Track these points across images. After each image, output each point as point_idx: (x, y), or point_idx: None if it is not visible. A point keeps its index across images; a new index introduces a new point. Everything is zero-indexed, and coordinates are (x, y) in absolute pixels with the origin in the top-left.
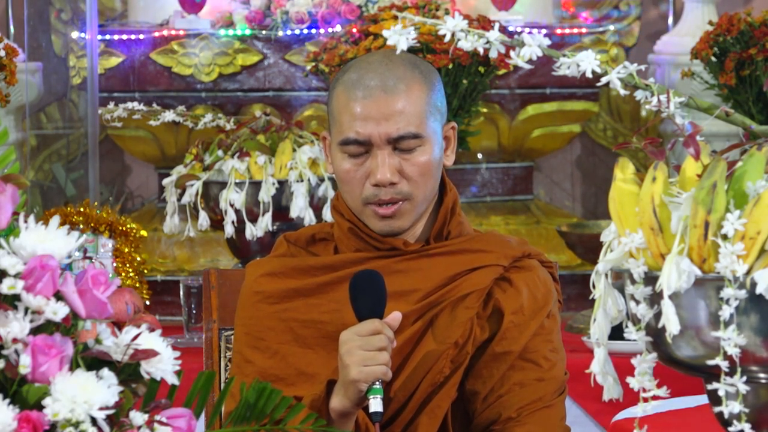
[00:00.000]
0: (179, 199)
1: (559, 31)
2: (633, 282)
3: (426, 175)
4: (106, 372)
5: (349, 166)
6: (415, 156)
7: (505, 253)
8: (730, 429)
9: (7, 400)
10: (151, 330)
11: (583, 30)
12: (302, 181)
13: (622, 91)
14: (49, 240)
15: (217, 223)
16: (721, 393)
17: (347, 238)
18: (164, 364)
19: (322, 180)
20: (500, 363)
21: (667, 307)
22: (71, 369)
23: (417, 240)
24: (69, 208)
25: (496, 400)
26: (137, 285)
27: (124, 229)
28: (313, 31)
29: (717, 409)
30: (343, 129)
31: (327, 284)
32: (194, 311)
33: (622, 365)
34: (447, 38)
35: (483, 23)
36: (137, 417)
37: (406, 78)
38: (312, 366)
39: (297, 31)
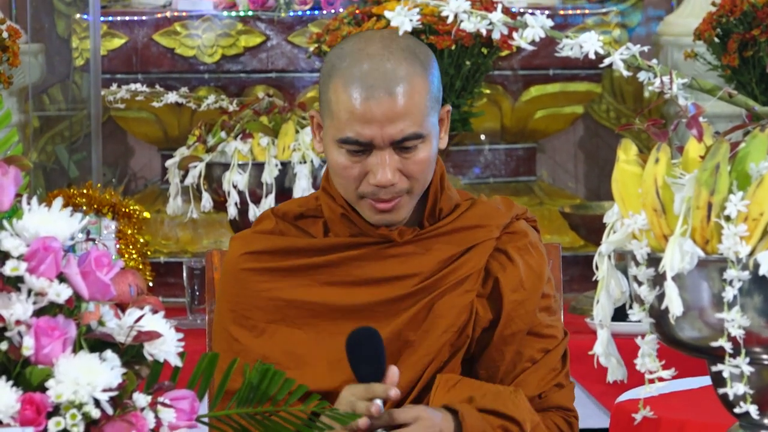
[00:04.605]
0: (182, 181)
1: (561, 11)
2: (636, 263)
3: (426, 170)
4: (109, 354)
5: (347, 162)
6: (416, 154)
7: (497, 223)
8: (734, 410)
9: (11, 382)
10: (154, 312)
11: (586, 11)
12: (305, 162)
13: (625, 73)
14: (52, 222)
15: (220, 205)
16: (725, 375)
17: (340, 223)
18: (167, 345)
19: (324, 161)
20: (509, 344)
21: (670, 288)
22: (74, 351)
23: (409, 223)
24: (72, 190)
25: (512, 382)
26: (140, 267)
27: (127, 210)
28: (316, 12)
29: (721, 390)
30: (342, 126)
31: (318, 266)
32: (197, 293)
33: (626, 346)
34: (450, 19)
35: (486, 4)
36: (140, 399)
37: (408, 74)
38: (300, 346)
39: (300, 13)
